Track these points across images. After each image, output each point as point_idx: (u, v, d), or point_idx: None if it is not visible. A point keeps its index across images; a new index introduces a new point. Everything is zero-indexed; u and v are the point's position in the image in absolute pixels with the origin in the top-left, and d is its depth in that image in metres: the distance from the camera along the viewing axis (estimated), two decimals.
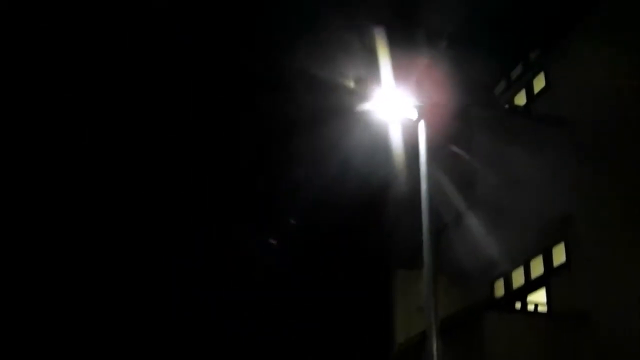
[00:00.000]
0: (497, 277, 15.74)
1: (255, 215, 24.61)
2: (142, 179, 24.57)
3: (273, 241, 21.57)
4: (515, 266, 15.23)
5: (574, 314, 12.83)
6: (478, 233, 14.62)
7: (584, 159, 13.32)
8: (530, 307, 14.27)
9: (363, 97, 12.23)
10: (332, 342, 20.14)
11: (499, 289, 15.74)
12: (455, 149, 14.56)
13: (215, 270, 25.78)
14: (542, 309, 13.93)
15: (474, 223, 14.57)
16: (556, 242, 14.02)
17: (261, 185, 23.27)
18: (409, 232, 15.30)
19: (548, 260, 14.26)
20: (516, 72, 16.27)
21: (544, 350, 12.49)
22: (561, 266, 13.82)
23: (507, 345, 12.53)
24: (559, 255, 13.94)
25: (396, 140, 13.71)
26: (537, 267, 14.60)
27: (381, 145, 14.26)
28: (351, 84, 13.74)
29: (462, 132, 14.50)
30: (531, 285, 14.70)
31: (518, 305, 14.66)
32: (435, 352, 10.00)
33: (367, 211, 18.04)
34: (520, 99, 16.12)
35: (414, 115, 11.55)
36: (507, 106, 16.06)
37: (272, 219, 23.27)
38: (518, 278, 15.22)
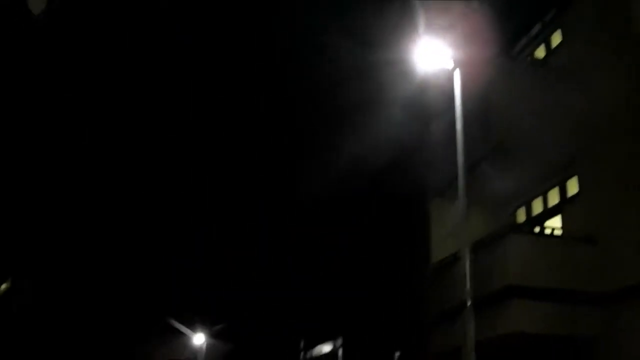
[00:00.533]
0: (519, 206, 18.02)
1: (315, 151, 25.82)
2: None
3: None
4: (535, 196, 17.51)
5: (585, 236, 14.96)
6: (503, 167, 16.68)
7: (595, 100, 15.26)
8: (547, 231, 16.32)
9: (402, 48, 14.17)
10: (380, 264, 22.11)
11: (521, 216, 18.03)
12: (485, 93, 16.14)
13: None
14: (558, 232, 16.08)
15: (500, 159, 16.42)
16: (570, 175, 16.11)
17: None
18: (444, 167, 17.54)
19: (563, 191, 16.49)
20: (535, 29, 18.05)
21: (558, 267, 14.66)
22: (574, 196, 15.98)
23: (526, 263, 14.56)
24: (573, 186, 16.08)
25: (434, 85, 15.74)
26: (554, 197, 16.86)
27: (420, 90, 16.28)
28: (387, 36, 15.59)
29: (492, 79, 16.15)
30: (548, 213, 16.97)
31: (537, 229, 16.74)
32: (467, 269, 12.04)
33: (410, 149, 19.89)
34: (540, 53, 18.04)
35: (449, 64, 13.64)
36: (528, 58, 17.85)
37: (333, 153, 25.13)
38: (537, 206, 17.50)
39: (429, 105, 17.78)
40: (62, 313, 22.59)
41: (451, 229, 16.25)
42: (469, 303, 11.49)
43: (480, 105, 15.70)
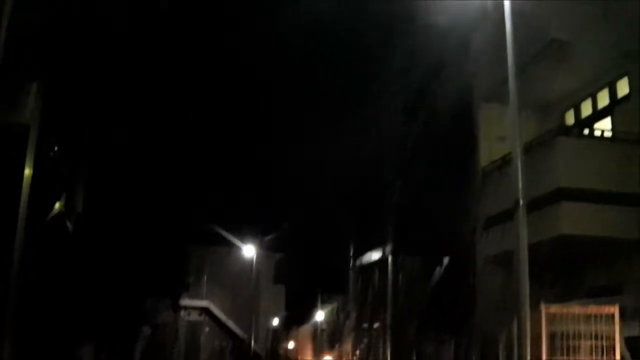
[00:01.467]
0: (568, 108, 17.77)
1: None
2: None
3: None
4: (584, 97, 17.22)
5: (635, 137, 14.79)
6: (554, 68, 16.42)
7: None
8: (597, 133, 16.16)
9: None
10: (430, 169, 22.14)
11: (570, 118, 17.81)
12: None
13: None
14: (608, 134, 15.89)
15: (550, 60, 16.15)
16: (620, 76, 15.82)
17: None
18: (491, 70, 17.31)
19: (613, 92, 16.17)
20: None
21: (609, 169, 14.59)
22: (624, 97, 15.71)
23: (576, 165, 14.64)
24: (623, 87, 15.80)
25: None
26: (604, 98, 16.55)
27: None
28: None
29: None
30: (598, 115, 16.72)
31: (586, 131, 16.59)
32: (520, 170, 11.70)
33: (458, 53, 19.66)
34: None
35: None
36: None
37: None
38: (586, 108, 17.22)
39: (476, 5, 17.34)
40: (111, 231, 23.08)
41: (501, 132, 16.12)
42: (521, 204, 11.36)
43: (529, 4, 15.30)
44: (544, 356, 11.45)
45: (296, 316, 48.51)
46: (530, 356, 10.80)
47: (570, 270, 15.61)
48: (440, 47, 20.08)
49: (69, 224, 19.03)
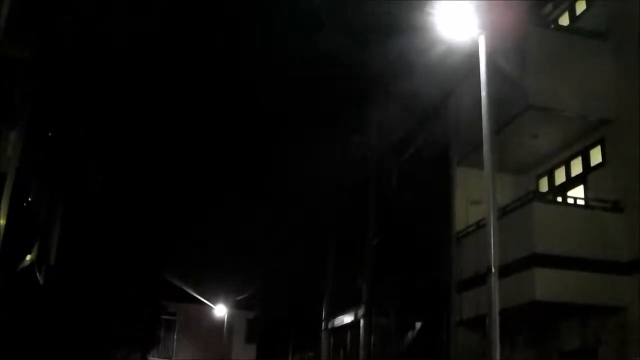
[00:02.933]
0: (542, 174, 17.97)
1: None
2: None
3: None
4: (558, 165, 17.43)
5: (608, 205, 14.94)
6: (529, 134, 16.62)
7: (623, 69, 15.16)
8: (570, 200, 16.25)
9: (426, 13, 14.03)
10: (402, 232, 22.20)
11: (544, 185, 17.99)
12: (509, 58, 16.04)
13: None
14: (581, 202, 15.95)
15: (526, 125, 16.34)
16: (594, 144, 15.99)
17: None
18: (467, 133, 17.54)
19: (586, 160, 16.38)
20: None
21: (584, 235, 14.60)
22: (598, 165, 15.89)
23: (551, 231, 14.58)
24: (596, 155, 16.00)
25: (459, 51, 15.59)
26: (577, 166, 16.75)
27: (445, 55, 16.19)
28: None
29: (515, 44, 16.06)
30: (571, 182, 16.90)
31: (560, 198, 16.69)
32: (493, 236, 11.98)
33: (433, 116, 19.90)
34: (564, 20, 17.86)
35: (474, 29, 13.48)
36: (552, 26, 17.68)
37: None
38: (560, 175, 17.41)
39: (452, 70, 17.65)
40: (83, 284, 22.90)
41: (476, 196, 16.25)
42: (493, 270, 11.47)
43: (507, 69, 15.61)
44: None
45: None
46: None
47: (544, 334, 15.59)
48: (417, 109, 20.34)
49: (39, 276, 18.79)
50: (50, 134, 17.67)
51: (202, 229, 42.13)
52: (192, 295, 44.80)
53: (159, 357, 46.28)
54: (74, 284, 22.01)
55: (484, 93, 13.11)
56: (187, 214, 39.33)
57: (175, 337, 49.48)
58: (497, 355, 11.12)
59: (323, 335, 32.51)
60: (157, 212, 31.84)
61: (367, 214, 26.57)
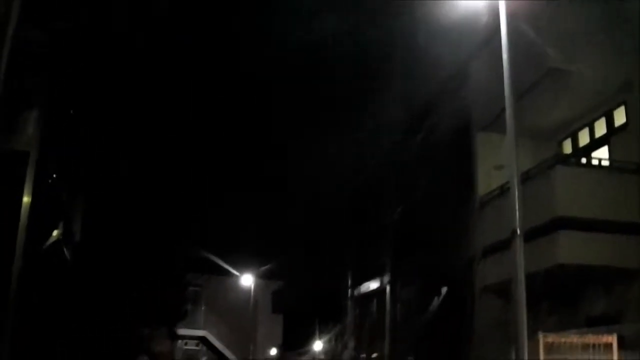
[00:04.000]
0: (565, 137, 17.85)
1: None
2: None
3: None
4: (582, 127, 17.28)
5: (632, 166, 14.85)
6: (551, 97, 16.48)
7: None
8: (595, 162, 16.19)
9: None
10: (426, 199, 22.15)
11: (567, 147, 17.87)
12: (533, 25, 15.82)
13: None
14: (605, 163, 15.94)
15: (548, 89, 16.21)
16: (617, 105, 15.92)
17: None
18: (488, 99, 17.40)
19: (610, 121, 16.25)
20: None
21: (606, 198, 14.65)
22: (622, 126, 15.78)
23: (574, 194, 14.70)
24: (620, 116, 15.90)
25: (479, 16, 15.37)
26: (601, 127, 16.61)
27: (465, 20, 15.98)
28: None
29: (536, 8, 15.82)
30: (595, 143, 16.78)
31: (583, 160, 16.63)
32: (517, 199, 11.76)
33: (455, 82, 19.74)
34: None
35: None
36: None
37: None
38: (584, 137, 17.28)
39: (472, 37, 17.46)
40: (108, 259, 23.09)
41: (498, 161, 16.18)
42: (518, 233, 11.35)
43: (528, 33, 15.40)
44: None
45: (294, 346, 48.15)
46: None
47: (568, 299, 15.57)
48: (438, 75, 20.19)
49: (66, 253, 18.98)
50: (72, 112, 17.78)
51: (227, 200, 42.41)
52: (218, 267, 45.01)
53: (187, 329, 46.80)
54: (99, 260, 22.21)
55: (505, 57, 12.91)
56: (212, 184, 39.46)
57: (202, 309, 49.98)
58: (524, 319, 10.99)
59: (349, 304, 32.73)
60: (181, 184, 31.97)
61: (391, 184, 26.52)
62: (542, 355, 11.45)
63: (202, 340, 50.09)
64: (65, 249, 18.85)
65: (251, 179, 41.60)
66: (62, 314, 18.06)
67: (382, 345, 26.40)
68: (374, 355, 27.92)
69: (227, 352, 49.76)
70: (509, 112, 12.67)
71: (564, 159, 16.44)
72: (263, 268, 43.47)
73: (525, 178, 14.40)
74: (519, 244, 11.47)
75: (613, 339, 11.34)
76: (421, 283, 22.68)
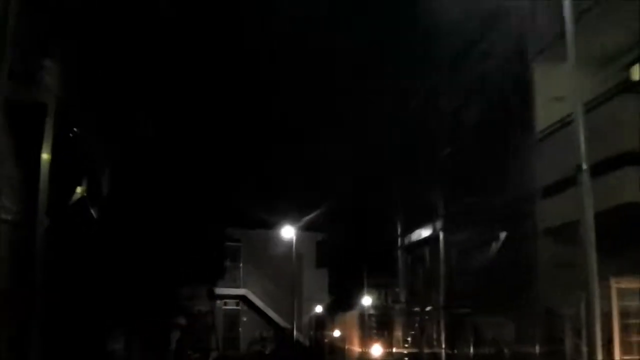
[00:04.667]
0: (632, 62, 17.47)
1: None
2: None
3: None
4: None
5: None
6: (615, 16, 16.15)
7: None
8: None
9: None
10: (479, 136, 22.09)
11: (635, 74, 17.50)
12: None
13: None
14: None
15: (612, 8, 15.89)
16: None
17: None
18: (545, 24, 17.17)
19: None
20: None
21: None
22: None
23: None
24: None
25: None
26: None
27: None
28: None
29: None
30: None
31: None
32: (581, 131, 11.94)
33: (507, 9, 19.51)
34: None
35: None
36: None
37: None
38: None
39: None
40: (140, 215, 23.40)
41: (558, 92, 15.98)
42: (584, 168, 11.26)
43: None
44: (616, 335, 11.36)
45: (341, 301, 48.59)
46: (601, 337, 10.71)
47: (634, 242, 15.49)
48: (487, 4, 19.96)
49: (93, 209, 19.31)
50: (97, 61, 17.96)
51: (265, 147, 42.55)
52: (257, 219, 45.48)
53: (226, 287, 47.55)
54: (131, 216, 22.53)
55: None
56: (250, 131, 39.54)
57: (241, 266, 50.68)
58: (594, 264, 10.96)
59: (399, 253, 32.97)
60: (218, 132, 32.18)
61: (442, 119, 26.42)
62: (615, 302, 11.44)
63: (242, 299, 50.94)
64: (91, 206, 19.21)
65: (290, 121, 41.47)
66: (92, 275, 18.47)
67: (436, 297, 26.66)
68: (428, 308, 28.20)
69: (269, 311, 50.56)
70: (569, 36, 12.54)
71: (632, 87, 16.18)
72: (306, 218, 43.80)
73: (589, 109, 14.27)
74: (585, 181, 11.43)
75: None
76: (477, 227, 22.72)
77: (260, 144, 42.17)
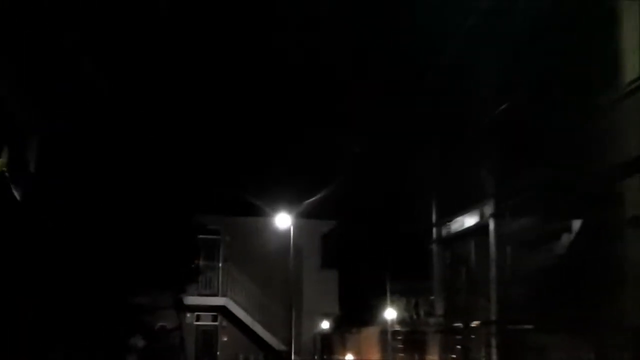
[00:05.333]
0: None
1: None
2: None
3: None
4: None
5: None
6: None
7: None
8: None
9: None
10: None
11: None
12: None
13: None
14: None
15: None
16: None
17: None
18: None
19: None
20: None
21: None
22: None
23: None
24: None
25: None
26: None
27: None
28: None
29: None
30: None
31: None
32: None
33: None
34: None
35: None
36: None
37: None
38: None
39: None
40: (79, 197, 23.51)
41: None
42: None
43: None
44: None
45: (355, 315, 48.64)
46: None
47: None
48: None
49: (15, 189, 19.26)
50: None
51: (251, 111, 42.55)
52: (242, 204, 45.30)
53: (199, 296, 47.54)
54: (65, 199, 22.45)
55: None
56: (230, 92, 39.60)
57: (220, 265, 50.54)
58: None
59: (434, 248, 32.92)
60: (191, 94, 32.32)
61: (492, 65, 26.21)
62: None
63: (222, 311, 50.71)
64: (13, 185, 19.13)
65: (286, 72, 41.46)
66: (9, 275, 18.43)
67: (485, 309, 26.60)
68: (474, 323, 28.15)
69: (257, 328, 50.20)
70: None
71: None
72: (307, 202, 43.57)
73: None
74: None
75: None
76: (541, 213, 22.62)
77: (251, 112, 42.22)
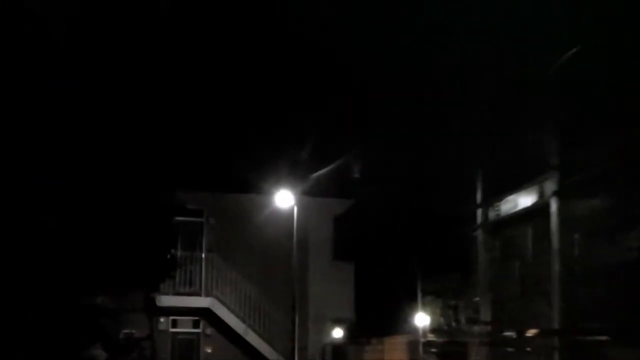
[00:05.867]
0: None
1: None
2: None
3: None
4: None
5: None
6: None
7: None
8: None
9: None
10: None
11: None
12: None
13: None
14: None
15: None
16: None
17: None
18: None
19: None
20: None
21: None
22: None
23: None
24: None
25: None
26: None
27: None
28: None
29: None
30: None
31: None
32: None
33: None
34: None
35: None
36: None
37: None
38: None
39: None
40: (27, 173, 23.78)
41: None
42: None
43: None
44: None
45: (376, 321, 48.70)
46: None
47: None
48: None
49: None
50: None
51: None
52: (233, 178, 45.27)
53: (177, 295, 47.62)
54: (11, 173, 22.65)
55: None
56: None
57: (203, 257, 50.45)
58: None
59: (479, 236, 32.89)
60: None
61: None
62: None
63: (205, 314, 50.71)
64: None
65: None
66: None
67: (546, 313, 26.56)
68: (531, 332, 28.11)
69: (251, 337, 50.27)
70: None
71: None
72: (314, 175, 43.47)
73: None
74: None
75: None
76: (620, 192, 22.53)
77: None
